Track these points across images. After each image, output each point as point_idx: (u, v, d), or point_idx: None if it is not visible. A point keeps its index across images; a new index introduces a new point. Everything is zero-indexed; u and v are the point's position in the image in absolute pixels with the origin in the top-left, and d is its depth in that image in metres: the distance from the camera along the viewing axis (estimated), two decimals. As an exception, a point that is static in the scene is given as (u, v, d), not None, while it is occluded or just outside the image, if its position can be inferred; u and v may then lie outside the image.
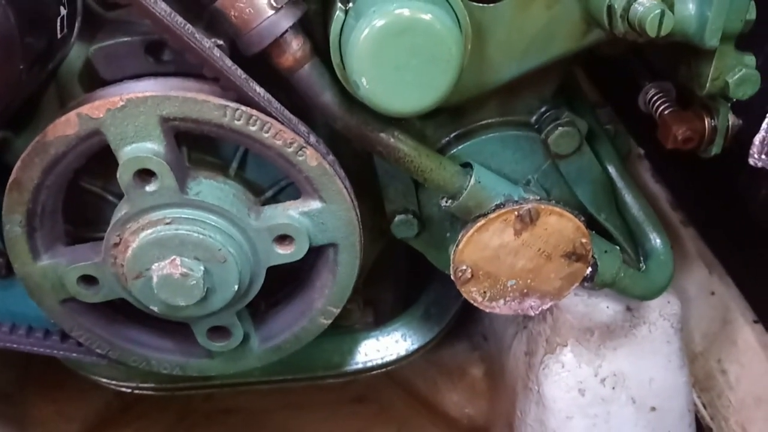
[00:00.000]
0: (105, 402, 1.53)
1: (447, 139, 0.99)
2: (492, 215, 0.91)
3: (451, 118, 0.97)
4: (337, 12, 0.75)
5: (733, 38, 0.79)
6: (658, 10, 0.71)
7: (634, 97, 1.11)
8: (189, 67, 0.82)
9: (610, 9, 0.75)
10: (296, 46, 0.79)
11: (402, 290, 1.44)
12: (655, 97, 0.98)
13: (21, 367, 1.50)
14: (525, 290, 0.97)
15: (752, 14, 0.78)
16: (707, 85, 0.82)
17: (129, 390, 1.31)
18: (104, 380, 1.28)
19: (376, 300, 1.38)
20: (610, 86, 1.44)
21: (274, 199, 0.95)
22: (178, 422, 1.60)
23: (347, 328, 1.29)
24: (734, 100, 0.91)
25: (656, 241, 1.07)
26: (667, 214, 1.47)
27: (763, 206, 1.22)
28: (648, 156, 1.55)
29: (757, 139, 1.14)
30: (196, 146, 0.91)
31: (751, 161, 1.13)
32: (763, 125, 1.13)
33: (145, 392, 1.31)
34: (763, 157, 1.12)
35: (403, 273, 1.42)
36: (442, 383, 1.59)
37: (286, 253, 0.89)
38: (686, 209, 1.47)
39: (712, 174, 1.29)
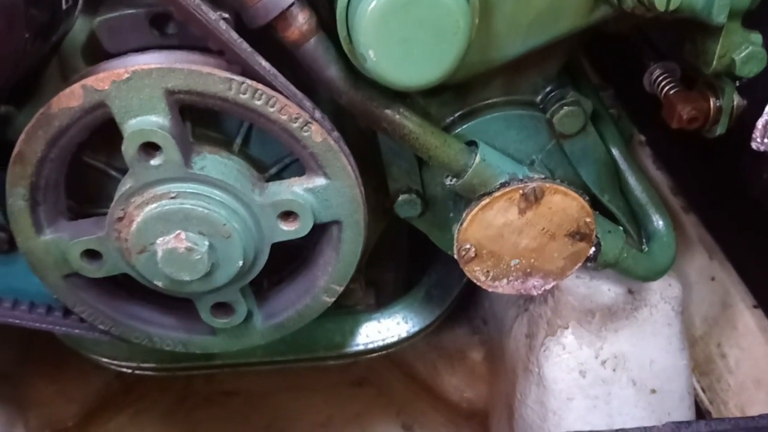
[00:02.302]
0: (105, 383, 1.54)
1: (451, 118, 0.98)
2: (496, 193, 0.91)
3: (455, 97, 0.97)
4: (344, -15, 0.75)
5: (740, 15, 0.79)
6: (668, -16, 0.71)
7: (636, 84, 1.11)
8: (194, 40, 0.82)
9: (618, -17, 0.76)
10: (302, 19, 0.79)
11: (404, 271, 1.44)
12: (660, 77, 0.98)
13: (21, 347, 1.50)
14: (528, 270, 0.98)
15: (760, -8, 0.78)
16: (714, 62, 0.82)
17: (129, 370, 1.31)
18: (105, 360, 1.28)
19: (379, 281, 1.38)
20: (611, 72, 1.43)
21: (278, 177, 0.95)
22: (179, 403, 1.61)
23: (349, 308, 1.30)
24: (739, 80, 0.91)
25: (659, 222, 1.07)
26: (669, 200, 1.48)
27: (765, 191, 1.23)
28: (649, 142, 1.56)
29: (760, 123, 1.14)
30: (200, 121, 0.90)
31: (753, 145, 1.13)
32: (766, 108, 1.13)
33: (145, 372, 1.31)
34: (766, 140, 1.13)
35: (405, 254, 1.42)
36: (442, 367, 1.60)
37: (290, 230, 0.89)
38: (687, 195, 1.48)
39: (712, 160, 1.30)
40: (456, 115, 0.98)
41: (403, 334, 1.32)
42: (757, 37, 0.81)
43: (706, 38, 0.82)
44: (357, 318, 1.31)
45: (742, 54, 0.81)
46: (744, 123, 1.13)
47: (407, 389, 1.63)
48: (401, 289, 1.41)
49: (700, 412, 1.33)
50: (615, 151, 1.07)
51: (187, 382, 1.60)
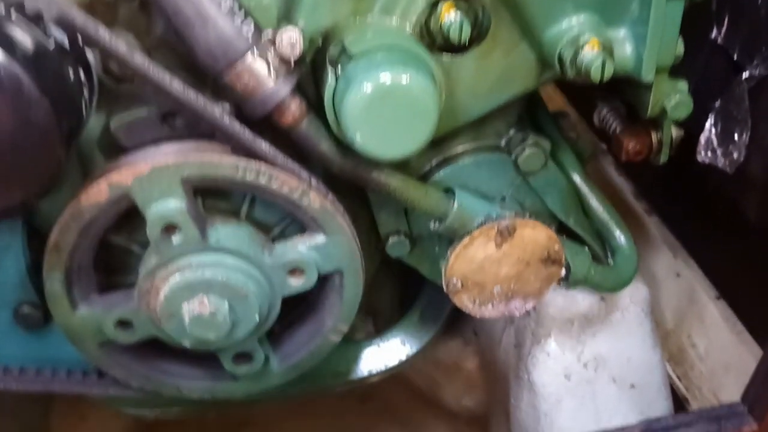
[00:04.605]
0: (124, 427, 1.63)
1: (429, 165, 1.10)
2: (475, 233, 1.03)
3: (431, 149, 1.07)
4: (329, 80, 0.86)
5: (666, 70, 0.92)
6: (601, 59, 0.84)
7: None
8: (202, 129, 0.93)
9: (560, 57, 0.88)
10: (294, 107, 0.89)
11: (399, 297, 1.54)
12: (608, 116, 1.10)
13: (45, 403, 1.59)
14: (510, 294, 1.09)
15: (680, 49, 0.91)
16: (649, 110, 0.95)
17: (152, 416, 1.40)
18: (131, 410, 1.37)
19: (377, 309, 1.48)
20: (575, 92, 1.56)
21: (282, 235, 1.06)
22: (196, 436, 1.69)
23: (351, 339, 1.40)
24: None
25: (621, 238, 1.18)
26: (632, 205, 1.58)
27: (716, 192, 1.36)
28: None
29: (702, 138, 1.27)
30: (209, 194, 1.00)
31: (698, 158, 1.26)
32: (707, 125, 1.27)
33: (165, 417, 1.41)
34: (709, 154, 1.26)
35: (399, 281, 1.53)
36: (440, 378, 1.69)
37: (298, 284, 1.00)
38: (649, 198, 1.57)
39: (671, 164, 1.42)
40: (434, 163, 1.09)
41: (403, 357, 1.41)
42: (683, 85, 0.94)
43: (641, 90, 0.95)
44: (358, 346, 1.39)
45: (672, 102, 0.94)
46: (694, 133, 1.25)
47: (410, 402, 1.72)
48: (398, 312, 1.51)
49: (678, 400, 1.44)
50: (576, 177, 1.18)
51: (202, 417, 1.69)
